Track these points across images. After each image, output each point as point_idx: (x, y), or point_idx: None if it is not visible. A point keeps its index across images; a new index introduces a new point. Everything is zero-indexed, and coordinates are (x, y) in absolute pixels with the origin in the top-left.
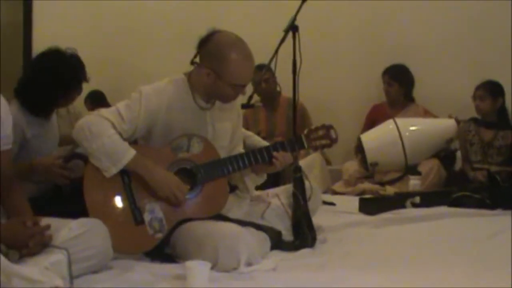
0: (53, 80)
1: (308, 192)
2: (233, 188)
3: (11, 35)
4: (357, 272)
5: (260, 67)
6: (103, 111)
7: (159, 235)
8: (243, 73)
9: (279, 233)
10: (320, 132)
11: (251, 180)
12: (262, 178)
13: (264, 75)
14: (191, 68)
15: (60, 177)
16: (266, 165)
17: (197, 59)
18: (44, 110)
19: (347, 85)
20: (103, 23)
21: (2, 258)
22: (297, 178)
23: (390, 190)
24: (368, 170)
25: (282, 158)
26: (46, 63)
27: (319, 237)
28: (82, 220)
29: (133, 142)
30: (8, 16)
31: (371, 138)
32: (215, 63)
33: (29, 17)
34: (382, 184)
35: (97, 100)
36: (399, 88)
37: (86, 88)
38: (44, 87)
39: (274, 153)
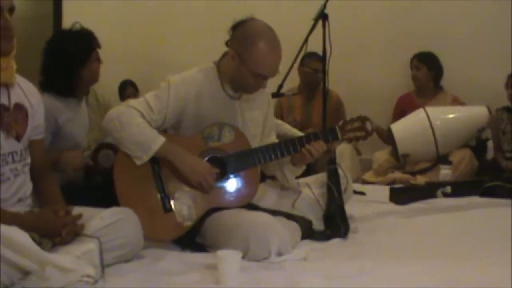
0: (65, 55)
1: (343, 184)
2: (263, 178)
3: (40, 28)
4: (388, 262)
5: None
6: (132, 101)
7: (188, 223)
8: (267, 63)
9: (310, 223)
10: (356, 124)
11: (290, 170)
12: (301, 169)
13: (316, 65)
14: (220, 57)
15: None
16: (303, 156)
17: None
18: (71, 88)
19: (376, 74)
20: (133, 13)
21: (36, 246)
22: (331, 170)
23: (421, 179)
24: (399, 161)
25: (315, 150)
26: (55, 44)
27: (351, 226)
28: (114, 209)
29: (163, 132)
30: (38, 9)
31: (401, 129)
32: (242, 48)
33: (59, 9)
34: (413, 173)
35: (129, 90)
36: (427, 72)
37: (118, 78)
38: (61, 65)
39: (307, 145)
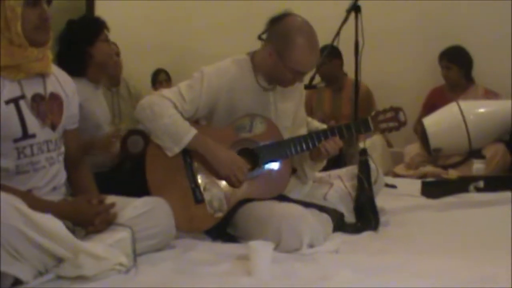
0: (75, 36)
1: (373, 176)
2: (295, 169)
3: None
4: (419, 256)
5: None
6: (165, 91)
7: (219, 214)
8: (305, 61)
9: (341, 215)
10: (388, 115)
11: (309, 166)
12: (321, 164)
13: (321, 58)
14: (253, 48)
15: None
16: (317, 152)
17: (264, 36)
18: (83, 67)
19: (408, 66)
20: (165, 5)
21: (70, 234)
22: (362, 161)
23: (453, 173)
24: (431, 155)
25: (330, 146)
26: (65, 31)
27: (382, 219)
28: (146, 199)
29: (195, 122)
30: (71, 1)
31: (434, 123)
32: (280, 45)
33: (91, 1)
34: (445, 167)
35: (161, 76)
36: (458, 70)
37: (150, 70)
38: (70, 46)
39: (322, 142)
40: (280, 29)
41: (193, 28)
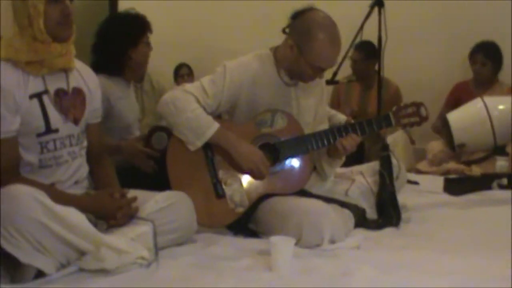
0: (118, 35)
1: (395, 171)
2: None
3: (96, 13)
4: (440, 254)
5: (359, 45)
6: (188, 86)
7: (240, 209)
8: (326, 56)
9: (363, 211)
10: (410, 110)
11: (328, 163)
12: (340, 161)
13: (359, 56)
14: (276, 44)
15: (144, 165)
16: (335, 149)
17: (287, 30)
18: (120, 67)
19: (431, 62)
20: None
21: (92, 227)
22: (384, 156)
23: (476, 170)
24: (455, 150)
25: (347, 143)
26: (108, 25)
27: (403, 216)
28: (168, 193)
29: (217, 117)
30: None
31: (458, 118)
32: (301, 39)
33: None
34: (468, 164)
35: (183, 70)
36: (492, 66)
37: (172, 64)
38: (112, 44)
39: (340, 139)
40: (302, 24)
41: (216, 22)
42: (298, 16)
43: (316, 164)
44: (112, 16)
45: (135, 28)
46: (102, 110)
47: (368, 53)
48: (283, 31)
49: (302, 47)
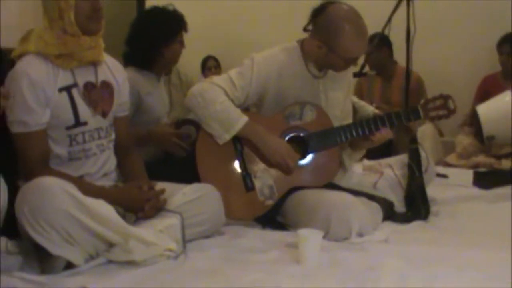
0: (153, 31)
1: (424, 164)
2: None
3: (124, 7)
4: (469, 248)
5: (371, 38)
6: (216, 78)
7: (270, 202)
8: (356, 47)
9: (391, 204)
10: (438, 102)
11: (348, 155)
12: (360, 153)
13: (370, 47)
14: (303, 36)
15: (177, 148)
16: (363, 141)
17: (310, 27)
18: (151, 63)
19: (460, 54)
20: None
21: (120, 219)
22: (413, 149)
23: (506, 164)
24: (484, 143)
25: (380, 135)
26: (145, 18)
27: (432, 209)
28: (196, 186)
29: (245, 109)
30: None
31: (487, 110)
32: (328, 37)
33: None
34: (498, 157)
35: (210, 62)
36: None
37: (199, 57)
38: (146, 39)
39: (374, 132)
40: (325, 20)
41: (243, 15)
42: (318, 13)
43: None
44: (150, 9)
45: (171, 26)
46: (131, 104)
47: (378, 42)
48: (305, 29)
49: (330, 44)
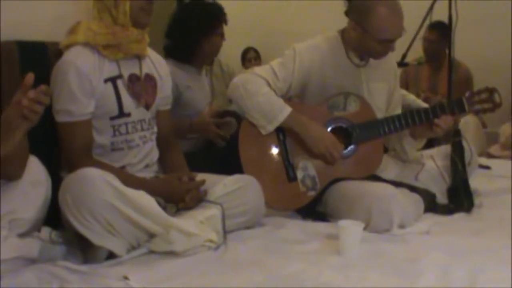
0: (193, 23)
1: (467, 157)
2: (386, 149)
3: (164, 2)
4: None
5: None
6: (258, 69)
7: (312, 193)
8: (390, 28)
9: (433, 196)
10: (483, 95)
11: (409, 143)
12: (421, 142)
13: (428, 35)
14: (344, 25)
15: (217, 137)
16: (426, 129)
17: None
18: (191, 55)
19: (504, 44)
20: None
21: (161, 210)
22: (456, 142)
23: None
24: None
25: (444, 124)
26: (185, 11)
27: (475, 201)
28: (236, 177)
29: (287, 99)
30: None
31: None
32: (361, 17)
33: None
34: None
35: (251, 54)
36: None
37: (240, 47)
38: (186, 31)
39: (435, 120)
40: (359, 2)
41: (282, 5)
42: None
43: (395, 146)
44: (190, 2)
45: (211, 18)
46: (172, 96)
47: (442, 33)
48: (346, 13)
49: (365, 25)
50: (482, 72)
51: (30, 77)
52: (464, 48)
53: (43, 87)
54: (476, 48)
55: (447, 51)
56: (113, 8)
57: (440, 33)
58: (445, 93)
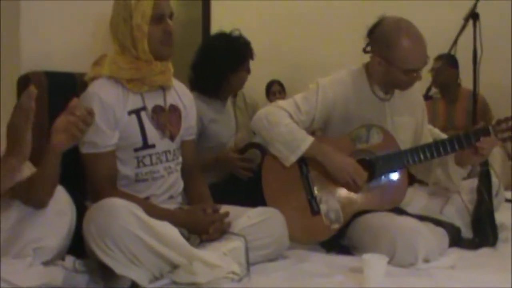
0: (220, 58)
1: (494, 188)
2: (411, 181)
3: (190, 32)
4: None
5: (439, 57)
6: (281, 102)
7: (335, 226)
8: (414, 56)
9: (458, 230)
10: (510, 123)
11: (455, 172)
12: (466, 170)
13: (438, 65)
14: (368, 58)
15: (242, 172)
16: (471, 155)
17: (368, 48)
18: (217, 90)
19: None
20: (279, 16)
21: (185, 241)
22: (483, 171)
23: None
24: None
25: (488, 145)
26: (212, 45)
27: (500, 235)
28: (260, 209)
29: (310, 134)
30: (187, 14)
31: None
32: (384, 50)
33: (207, 14)
34: None
35: (275, 87)
36: None
37: (264, 80)
38: (212, 66)
39: (477, 143)
40: (380, 35)
41: (308, 38)
42: (373, 31)
43: (439, 176)
44: (216, 36)
45: (238, 53)
46: (196, 128)
47: (448, 62)
48: (364, 50)
49: (388, 57)
50: (507, 105)
51: (76, 101)
52: (489, 80)
53: (88, 108)
54: (500, 80)
55: (458, 83)
56: (132, 48)
57: (445, 61)
58: (463, 126)
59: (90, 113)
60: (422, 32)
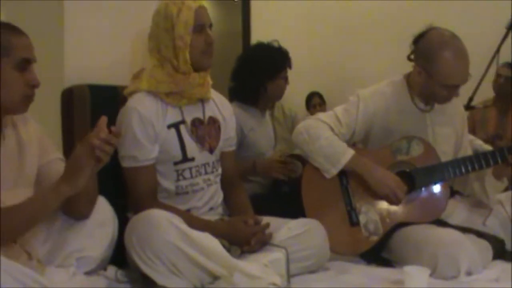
0: (258, 66)
1: None
2: (453, 193)
3: (230, 45)
4: None
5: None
6: (321, 115)
7: (374, 238)
8: (455, 73)
9: (502, 242)
10: None
11: (491, 186)
12: (504, 183)
13: (506, 73)
14: (410, 69)
15: (279, 172)
16: (509, 169)
17: (412, 56)
18: (256, 98)
19: None
20: (318, 26)
21: (226, 253)
22: None
23: None
24: None
25: None
26: (251, 54)
27: None
28: (301, 220)
29: (351, 146)
30: (228, 27)
31: None
32: (426, 62)
33: (247, 27)
34: None
35: (315, 100)
36: None
37: (304, 91)
38: (251, 74)
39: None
40: (424, 46)
41: (349, 50)
42: (419, 40)
43: (475, 188)
44: (256, 46)
45: (276, 62)
46: (236, 138)
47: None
48: (408, 58)
49: (428, 69)
50: None
51: (103, 120)
52: None
53: (113, 128)
54: None
55: None
56: (174, 58)
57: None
58: None
59: (117, 134)
60: (464, 40)
